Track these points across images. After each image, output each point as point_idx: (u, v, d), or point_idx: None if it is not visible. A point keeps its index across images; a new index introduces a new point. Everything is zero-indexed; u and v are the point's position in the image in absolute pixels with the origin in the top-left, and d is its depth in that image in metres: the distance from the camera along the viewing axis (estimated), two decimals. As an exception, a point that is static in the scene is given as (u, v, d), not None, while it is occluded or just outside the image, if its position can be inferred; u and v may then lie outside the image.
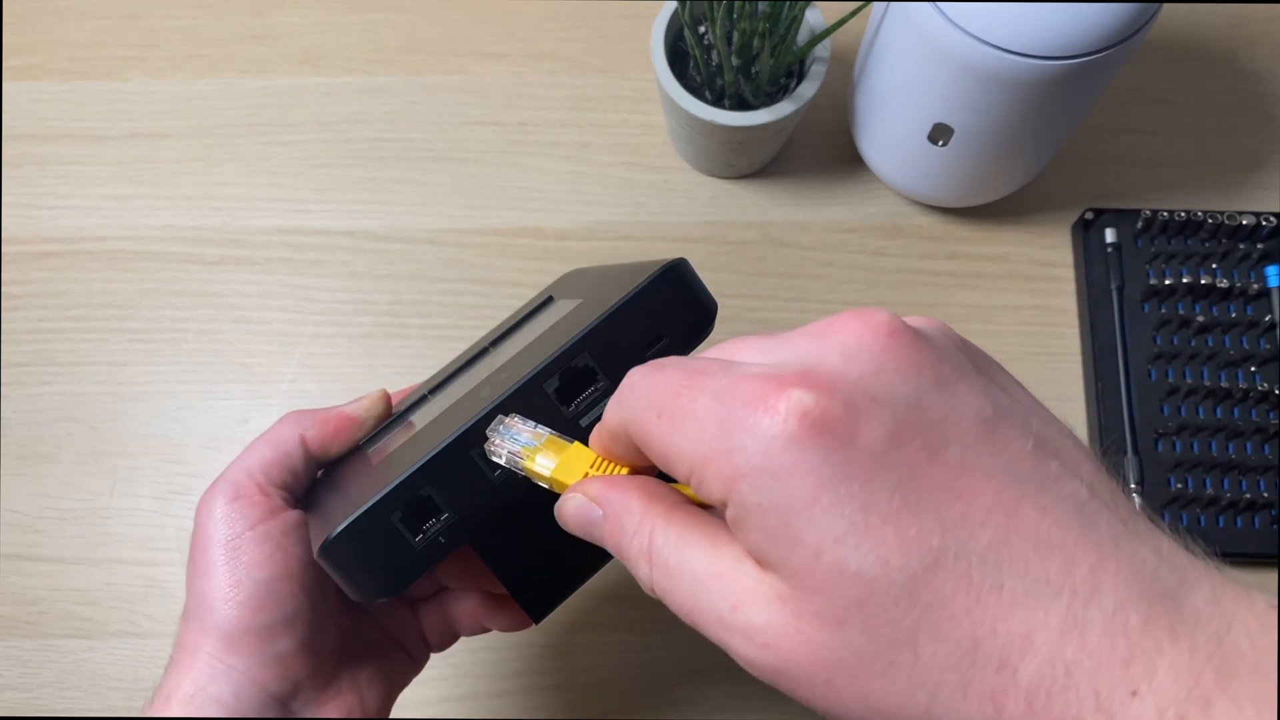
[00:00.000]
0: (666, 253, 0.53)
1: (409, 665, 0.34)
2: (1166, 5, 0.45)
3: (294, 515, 0.31)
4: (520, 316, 0.37)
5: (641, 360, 0.23)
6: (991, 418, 0.19)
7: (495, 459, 0.25)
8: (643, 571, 0.21)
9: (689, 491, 0.21)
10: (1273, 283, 0.49)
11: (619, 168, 0.54)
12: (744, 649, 0.19)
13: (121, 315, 0.52)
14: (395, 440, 0.32)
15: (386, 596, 0.27)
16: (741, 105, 0.48)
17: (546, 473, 0.24)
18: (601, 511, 0.22)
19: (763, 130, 0.47)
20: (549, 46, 0.57)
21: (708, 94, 0.48)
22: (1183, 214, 0.50)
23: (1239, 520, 0.46)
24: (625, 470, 0.24)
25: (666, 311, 0.28)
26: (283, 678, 0.29)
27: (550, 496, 0.25)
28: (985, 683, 0.17)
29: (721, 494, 0.19)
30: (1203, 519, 0.46)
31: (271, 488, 0.31)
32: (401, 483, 0.26)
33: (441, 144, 0.55)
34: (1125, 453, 0.47)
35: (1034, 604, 0.17)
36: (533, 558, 0.29)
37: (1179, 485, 0.46)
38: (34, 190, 0.54)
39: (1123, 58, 0.41)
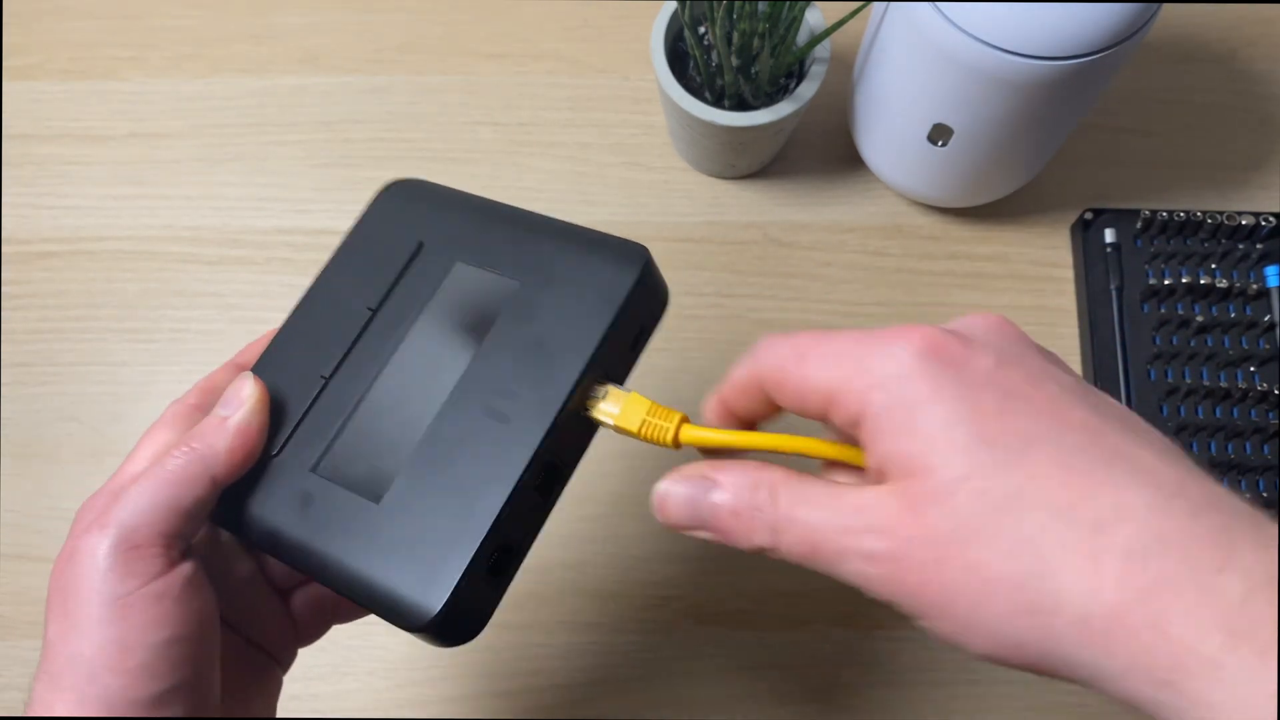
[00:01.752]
0: (666, 253, 0.53)
1: (279, 672, 0.32)
2: (1166, 5, 0.46)
3: (190, 566, 0.26)
4: (396, 274, 0.32)
5: (631, 353, 0.27)
6: (1080, 384, 0.22)
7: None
8: (765, 533, 0.23)
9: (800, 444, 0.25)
10: (1272, 283, 0.49)
11: (619, 168, 0.54)
12: (865, 546, 0.21)
13: (122, 315, 0.52)
14: (347, 443, 0.29)
15: (475, 637, 0.26)
16: (741, 105, 0.49)
17: (611, 421, 0.27)
18: (718, 484, 0.24)
19: (762, 130, 0.47)
20: (549, 46, 0.57)
21: (708, 94, 0.48)
22: (1182, 214, 0.50)
23: (1238, 520, 0.46)
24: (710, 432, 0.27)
25: (644, 309, 0.29)
26: None
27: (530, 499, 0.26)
28: (1084, 543, 0.19)
29: (857, 407, 0.22)
30: (1202, 519, 0.46)
31: (174, 538, 0.26)
32: (486, 539, 0.25)
33: (441, 144, 0.55)
34: (1125, 453, 0.47)
35: (1124, 486, 0.19)
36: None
37: (1178, 485, 0.46)
38: (34, 190, 0.54)
39: (1123, 58, 0.41)
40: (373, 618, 0.29)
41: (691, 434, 0.27)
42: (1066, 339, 0.51)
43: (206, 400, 0.29)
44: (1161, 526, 0.19)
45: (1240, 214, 0.50)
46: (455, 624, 0.25)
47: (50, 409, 0.50)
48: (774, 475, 0.24)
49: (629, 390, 0.28)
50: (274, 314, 0.52)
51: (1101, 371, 0.49)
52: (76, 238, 0.53)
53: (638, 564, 0.48)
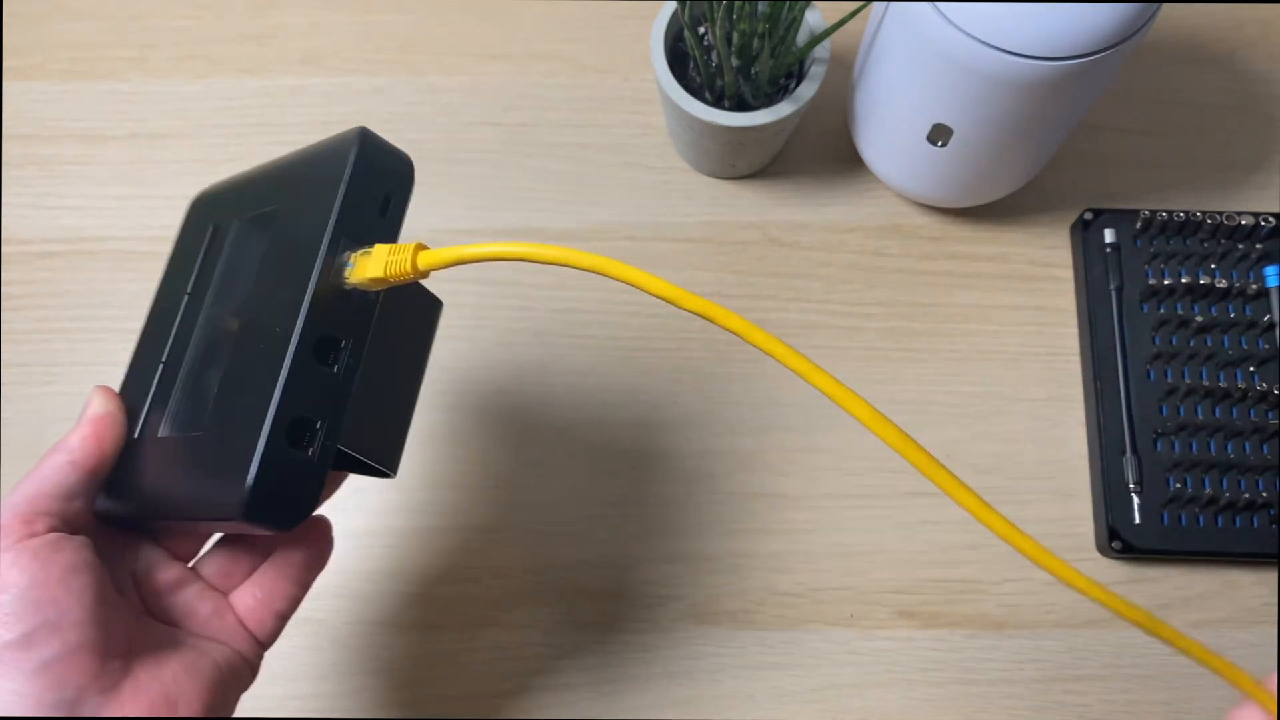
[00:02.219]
0: (666, 253, 0.53)
1: (237, 662, 0.33)
2: (1166, 5, 0.46)
3: (55, 536, 0.29)
4: (199, 258, 0.36)
5: (382, 219, 0.31)
6: None
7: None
8: None
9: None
10: (1271, 283, 0.49)
11: (619, 168, 0.54)
12: None
13: (122, 315, 0.52)
14: (183, 407, 0.32)
15: (304, 519, 0.28)
16: (741, 106, 0.49)
17: (363, 278, 0.29)
18: None
19: (762, 131, 0.47)
20: (549, 47, 0.57)
21: (708, 95, 0.49)
22: (1181, 214, 0.50)
23: (1238, 520, 0.46)
24: None
25: (378, 178, 0.31)
26: (57, 685, 0.27)
27: (381, 358, 0.30)
28: None
29: None
30: (1201, 519, 0.46)
31: (36, 516, 0.30)
32: (276, 412, 0.27)
33: (442, 144, 0.55)
34: (1124, 452, 0.47)
35: None
36: (374, 425, 0.33)
37: (1178, 485, 0.47)
38: (34, 190, 0.54)
39: (1122, 58, 0.41)
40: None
41: (429, 257, 0.30)
42: (1066, 339, 0.51)
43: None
44: None
45: (1240, 214, 0.50)
46: (272, 501, 0.27)
47: (51, 409, 0.50)
48: None
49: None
50: (274, 314, 0.52)
51: (1101, 371, 0.49)
52: (77, 238, 0.53)
53: (638, 564, 0.48)
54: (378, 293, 0.30)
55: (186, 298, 0.35)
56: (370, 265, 0.29)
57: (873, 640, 0.47)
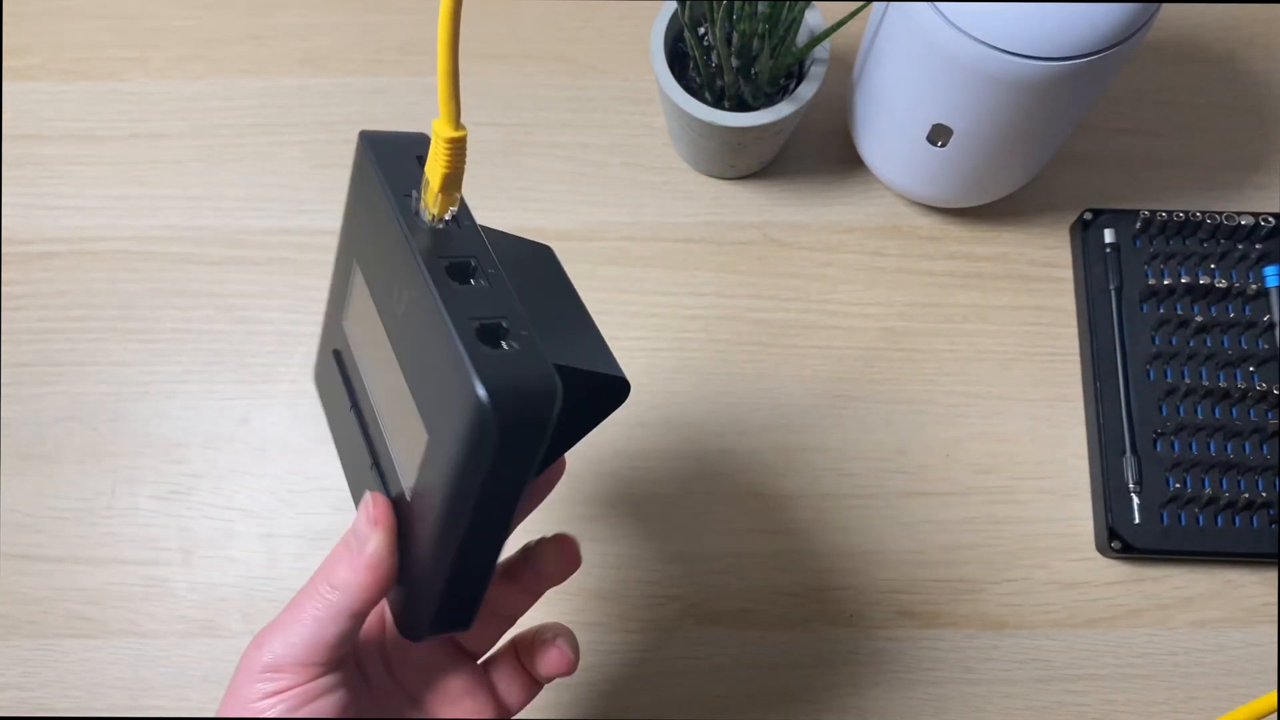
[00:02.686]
0: (666, 253, 0.53)
1: None
2: (1166, 6, 0.46)
3: (328, 679, 0.30)
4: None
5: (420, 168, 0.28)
6: None
7: None
8: None
9: None
10: (1271, 283, 0.49)
11: (619, 168, 0.54)
12: None
13: (123, 315, 0.52)
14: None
15: (548, 419, 0.26)
16: (741, 106, 0.49)
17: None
18: None
19: (762, 131, 0.47)
20: (549, 47, 0.57)
21: (707, 95, 0.49)
22: (1181, 214, 0.50)
23: (1237, 520, 0.46)
24: None
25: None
26: None
27: (531, 295, 0.28)
28: None
29: None
30: (1201, 519, 0.46)
31: (312, 665, 0.30)
32: (454, 325, 0.25)
33: (442, 144, 0.55)
34: (1124, 452, 0.47)
35: None
36: (570, 345, 0.30)
37: (1178, 485, 0.47)
38: (35, 190, 0.54)
39: (1122, 58, 0.41)
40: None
41: (436, 125, 0.27)
42: (1066, 339, 0.51)
43: None
44: None
45: (1239, 214, 0.50)
46: (513, 407, 0.25)
47: (51, 409, 0.50)
48: None
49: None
50: (275, 314, 0.52)
51: (1101, 371, 0.49)
52: (78, 238, 0.53)
53: (638, 564, 0.48)
54: (458, 211, 0.28)
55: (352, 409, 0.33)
56: (428, 192, 0.28)
57: (873, 640, 0.47)
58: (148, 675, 0.46)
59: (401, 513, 0.29)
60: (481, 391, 0.24)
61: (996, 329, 0.52)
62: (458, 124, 0.26)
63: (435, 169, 0.27)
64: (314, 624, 0.29)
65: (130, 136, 0.55)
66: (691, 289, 0.52)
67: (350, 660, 0.32)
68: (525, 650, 0.36)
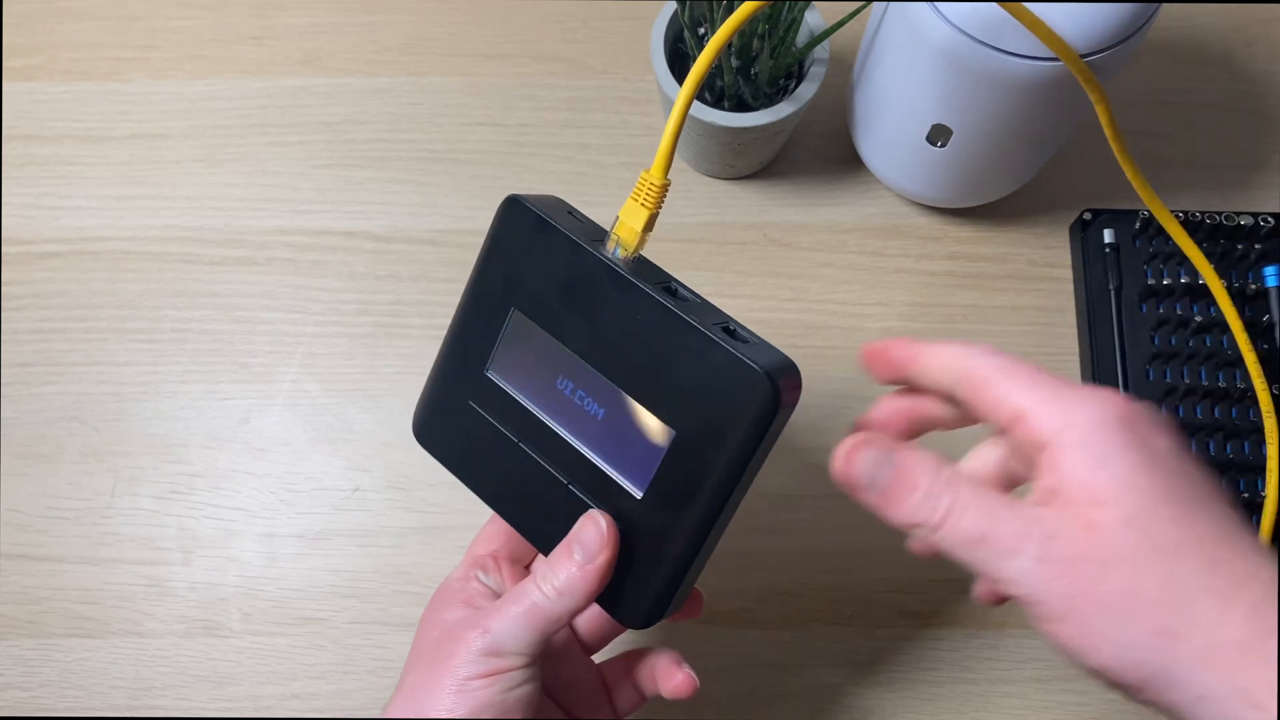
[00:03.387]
0: (666, 253, 0.53)
1: None
2: (1166, 6, 0.46)
3: (533, 670, 0.33)
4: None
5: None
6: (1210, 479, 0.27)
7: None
8: (934, 512, 0.27)
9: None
10: (1270, 283, 0.49)
11: (619, 168, 0.54)
12: (1041, 550, 0.25)
13: (123, 315, 0.52)
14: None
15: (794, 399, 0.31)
16: (741, 106, 0.49)
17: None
18: (894, 468, 0.29)
19: (762, 131, 0.47)
20: (549, 48, 0.57)
21: (707, 95, 0.49)
22: (1180, 214, 0.50)
23: (1237, 520, 0.46)
24: None
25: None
26: None
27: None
28: (1223, 591, 0.24)
29: (1047, 435, 0.26)
30: (1201, 518, 0.46)
31: (530, 656, 0.33)
32: (701, 329, 0.31)
33: (442, 145, 0.55)
34: (1124, 452, 0.47)
35: (1251, 557, 0.25)
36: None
37: (1177, 485, 0.47)
38: (35, 191, 0.54)
39: (1122, 58, 0.41)
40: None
41: (645, 176, 0.34)
42: (1065, 339, 0.51)
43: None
44: (1274, 591, 0.24)
45: (1239, 214, 0.50)
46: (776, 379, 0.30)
47: (52, 409, 0.50)
48: (957, 468, 0.28)
49: None
50: (275, 314, 0.52)
51: (1100, 371, 0.49)
52: (78, 238, 0.53)
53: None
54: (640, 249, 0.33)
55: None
56: (626, 232, 0.33)
57: (872, 639, 0.47)
58: (148, 675, 0.46)
59: (626, 517, 0.33)
60: (761, 372, 0.29)
61: (996, 329, 0.52)
62: (666, 174, 0.33)
63: (640, 212, 0.33)
64: (540, 619, 0.32)
65: (130, 136, 0.55)
66: (692, 289, 0.52)
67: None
68: (644, 667, 0.38)
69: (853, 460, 0.29)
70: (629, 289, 0.32)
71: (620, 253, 0.33)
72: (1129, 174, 0.43)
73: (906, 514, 0.28)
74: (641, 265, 0.33)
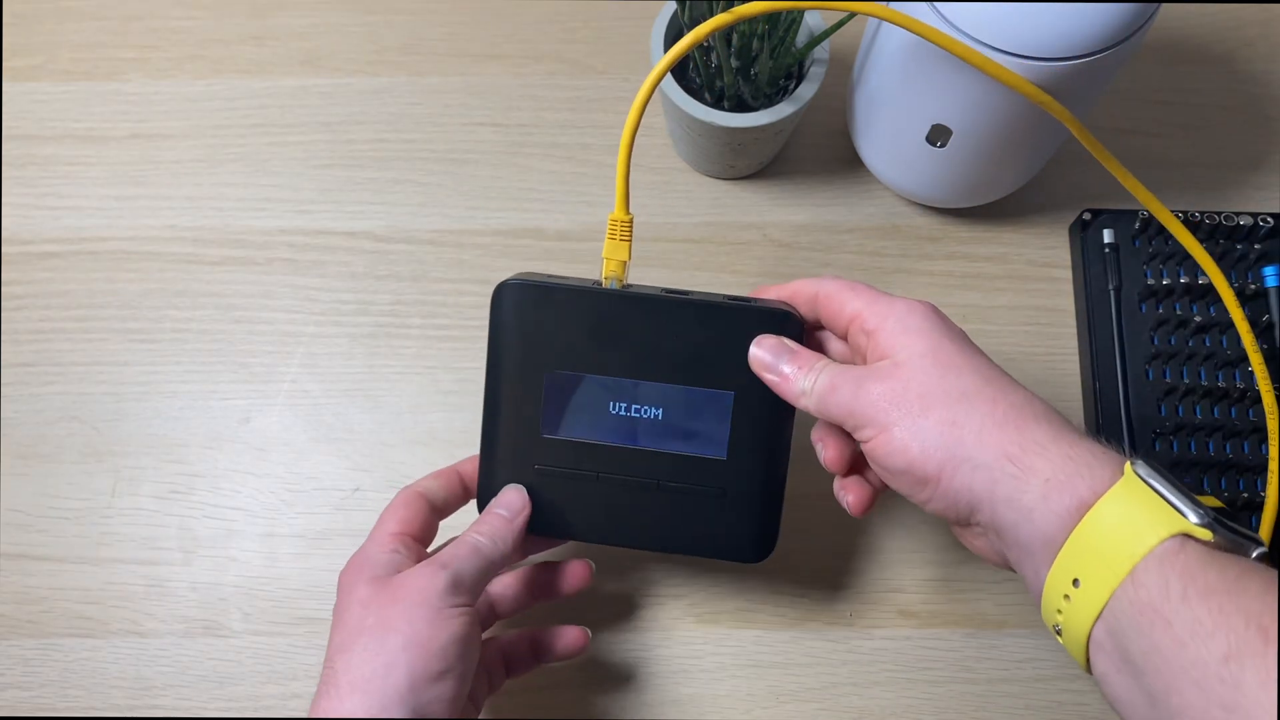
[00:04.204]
0: (666, 253, 0.53)
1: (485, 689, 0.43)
2: (1165, 6, 0.46)
3: (474, 609, 0.38)
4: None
5: None
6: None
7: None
8: (804, 385, 0.36)
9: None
10: (1270, 283, 0.49)
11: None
12: (863, 391, 0.34)
13: (123, 315, 0.52)
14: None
15: None
16: (741, 107, 0.49)
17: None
18: (788, 355, 0.37)
19: (762, 131, 0.47)
20: (549, 48, 0.57)
21: (707, 95, 0.49)
22: (1180, 214, 0.50)
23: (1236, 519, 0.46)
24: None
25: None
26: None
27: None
28: (991, 405, 0.33)
29: (875, 322, 0.36)
30: (1200, 518, 0.46)
31: (476, 591, 0.38)
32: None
33: (442, 145, 0.55)
34: (1123, 452, 0.47)
35: (1028, 411, 0.33)
36: None
37: (1177, 485, 0.47)
38: (36, 191, 0.54)
39: (1121, 59, 0.41)
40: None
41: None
42: (1065, 339, 0.51)
43: (434, 491, 0.41)
44: (1030, 398, 0.33)
45: (1238, 214, 0.50)
46: None
47: (52, 409, 0.50)
48: (821, 358, 0.37)
49: None
50: (275, 314, 0.52)
51: (1100, 371, 0.49)
52: (78, 238, 0.53)
53: (638, 564, 0.48)
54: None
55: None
56: (612, 266, 0.40)
57: (872, 639, 0.47)
58: (148, 674, 0.46)
59: (720, 478, 0.40)
60: (779, 309, 0.38)
61: (996, 329, 0.52)
62: (627, 210, 0.40)
63: (621, 247, 0.39)
64: (484, 560, 0.38)
65: (130, 137, 0.55)
66: (692, 289, 0.52)
67: None
68: (541, 635, 0.44)
69: (761, 344, 0.38)
70: (644, 302, 0.38)
71: (615, 284, 0.39)
72: (1121, 178, 0.43)
73: (795, 388, 0.37)
74: (634, 289, 0.39)
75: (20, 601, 0.47)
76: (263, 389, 0.51)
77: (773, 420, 0.39)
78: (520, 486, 0.40)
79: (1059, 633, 0.32)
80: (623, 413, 0.39)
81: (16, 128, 0.56)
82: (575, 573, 0.44)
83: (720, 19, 0.38)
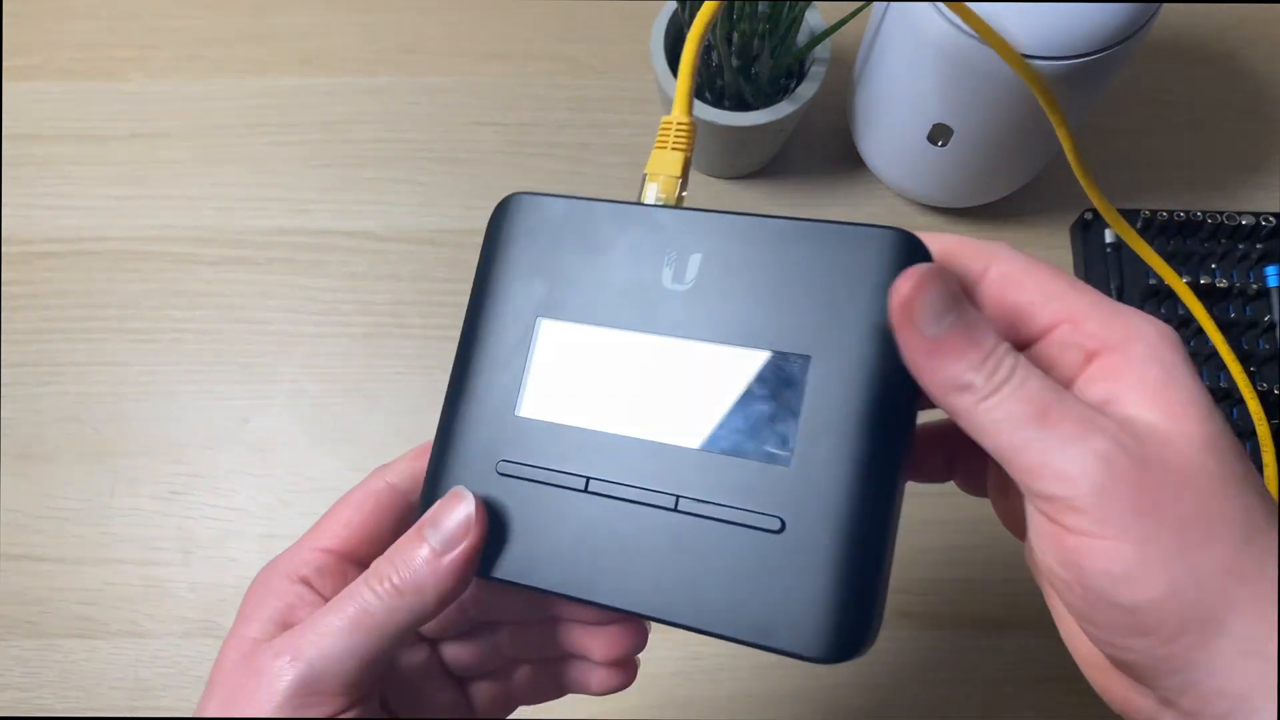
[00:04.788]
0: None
1: None
2: (1166, 5, 0.46)
3: (364, 707, 0.25)
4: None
5: None
6: None
7: None
8: (974, 377, 0.21)
9: None
10: (1272, 283, 0.49)
11: (619, 168, 0.54)
12: (1102, 445, 0.20)
13: (123, 315, 0.52)
14: None
15: None
16: (741, 106, 0.49)
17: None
18: (961, 315, 0.22)
19: (762, 131, 0.47)
20: (549, 47, 0.57)
21: (708, 94, 0.49)
22: (1182, 214, 0.50)
23: (1238, 520, 0.46)
24: None
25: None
26: None
27: None
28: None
29: (1107, 342, 0.22)
30: (1202, 519, 0.46)
31: (359, 685, 0.25)
32: None
33: (442, 144, 0.55)
34: (1124, 452, 0.47)
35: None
36: None
37: (1178, 485, 0.47)
38: (35, 190, 0.54)
39: (1122, 58, 0.41)
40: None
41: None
42: (1066, 339, 0.51)
43: (409, 480, 0.29)
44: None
45: (1240, 214, 0.50)
46: None
47: (51, 409, 0.50)
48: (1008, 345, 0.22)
49: None
50: (275, 314, 0.52)
51: (1101, 371, 0.49)
52: (78, 238, 0.53)
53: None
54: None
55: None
56: (666, 181, 0.28)
57: (873, 640, 0.47)
58: (147, 675, 0.46)
59: (782, 501, 0.23)
60: (892, 230, 0.23)
61: (997, 329, 0.52)
62: (689, 113, 0.29)
63: (674, 157, 0.28)
64: (371, 633, 0.24)
65: (130, 136, 0.55)
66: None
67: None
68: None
69: (923, 290, 0.21)
70: (697, 224, 0.25)
71: (672, 201, 0.27)
72: (1085, 183, 0.43)
73: (960, 371, 0.21)
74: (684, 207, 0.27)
75: (19, 602, 0.47)
76: (262, 389, 0.51)
77: (881, 409, 0.23)
78: (468, 494, 0.25)
79: None
80: (642, 388, 0.25)
81: (16, 128, 0.56)
82: (617, 640, 0.29)
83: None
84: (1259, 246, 0.50)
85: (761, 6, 0.45)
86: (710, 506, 0.24)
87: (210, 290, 0.52)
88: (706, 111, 0.47)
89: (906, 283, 0.21)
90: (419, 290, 0.52)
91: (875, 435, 0.23)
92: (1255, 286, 0.49)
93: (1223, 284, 0.49)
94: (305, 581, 0.26)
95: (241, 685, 0.24)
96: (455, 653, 0.29)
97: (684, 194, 0.28)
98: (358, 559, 0.27)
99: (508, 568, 0.25)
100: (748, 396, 0.24)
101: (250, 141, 0.55)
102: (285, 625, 0.25)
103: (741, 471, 0.24)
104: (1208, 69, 0.57)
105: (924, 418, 0.25)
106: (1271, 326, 0.48)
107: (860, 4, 0.46)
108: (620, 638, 0.28)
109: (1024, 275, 0.24)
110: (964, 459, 0.28)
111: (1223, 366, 0.48)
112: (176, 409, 0.50)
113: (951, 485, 0.29)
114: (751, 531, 0.23)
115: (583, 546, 0.25)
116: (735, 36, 0.45)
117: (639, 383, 0.25)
